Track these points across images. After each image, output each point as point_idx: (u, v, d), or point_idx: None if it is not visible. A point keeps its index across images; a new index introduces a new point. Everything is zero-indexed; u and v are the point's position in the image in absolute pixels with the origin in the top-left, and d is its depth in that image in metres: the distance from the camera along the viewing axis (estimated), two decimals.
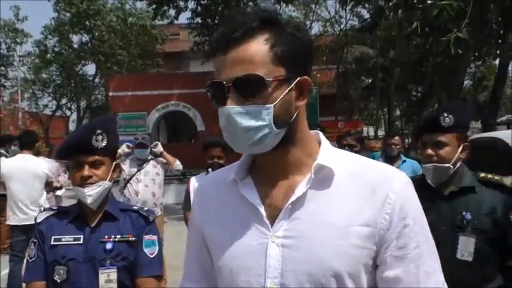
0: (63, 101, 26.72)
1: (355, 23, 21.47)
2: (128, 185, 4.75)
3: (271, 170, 0.92)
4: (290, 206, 0.88)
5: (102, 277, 1.65)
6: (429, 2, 5.30)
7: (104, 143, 1.69)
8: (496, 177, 1.85)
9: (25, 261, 1.79)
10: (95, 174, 1.70)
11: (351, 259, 0.84)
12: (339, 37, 22.24)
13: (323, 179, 0.89)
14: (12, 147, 6.89)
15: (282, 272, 0.85)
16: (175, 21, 17.67)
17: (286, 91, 0.85)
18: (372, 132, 27.89)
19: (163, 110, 17.23)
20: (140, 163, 4.83)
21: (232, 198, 0.94)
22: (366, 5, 12.69)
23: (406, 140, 23.34)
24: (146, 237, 1.75)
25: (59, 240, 1.70)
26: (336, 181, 0.89)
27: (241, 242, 0.90)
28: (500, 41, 10.45)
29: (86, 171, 1.68)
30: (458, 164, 1.89)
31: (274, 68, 0.83)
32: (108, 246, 1.68)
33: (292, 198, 0.88)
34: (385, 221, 0.85)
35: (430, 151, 1.88)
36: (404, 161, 4.79)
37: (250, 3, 16.23)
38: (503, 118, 17.12)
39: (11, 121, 22.69)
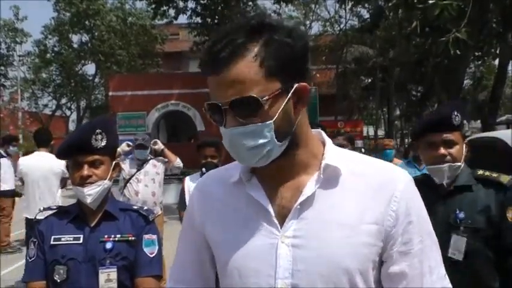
0: (63, 100, 26.75)
1: (355, 23, 21.49)
2: (128, 184, 4.75)
3: (276, 171, 0.91)
4: (299, 206, 0.88)
5: (102, 277, 1.65)
6: (430, 2, 5.29)
7: (104, 143, 1.69)
8: (494, 175, 1.83)
9: (24, 261, 1.78)
10: (95, 174, 1.69)
11: (361, 257, 0.85)
12: (338, 37, 22.25)
13: (330, 178, 0.89)
14: (11, 148, 6.91)
15: (292, 272, 0.85)
16: (175, 21, 17.67)
17: (285, 102, 0.84)
18: (371, 132, 27.91)
19: (163, 110, 17.24)
20: (140, 163, 4.84)
21: (237, 199, 0.94)
22: (366, 5, 12.69)
23: (406, 140, 23.34)
24: (146, 236, 1.75)
25: (59, 239, 1.69)
26: (342, 180, 0.89)
27: (249, 242, 0.89)
28: (499, 40, 10.45)
29: (86, 170, 1.68)
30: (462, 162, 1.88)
31: (268, 83, 0.82)
32: (108, 245, 1.68)
33: (302, 198, 0.88)
34: (391, 219, 0.87)
35: (443, 150, 1.84)
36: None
37: (250, 3, 16.24)
38: (503, 118, 17.15)
39: (10, 121, 22.67)
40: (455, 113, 1.84)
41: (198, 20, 16.61)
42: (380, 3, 10.96)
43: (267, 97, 0.81)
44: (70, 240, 1.69)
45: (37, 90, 25.94)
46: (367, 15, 17.44)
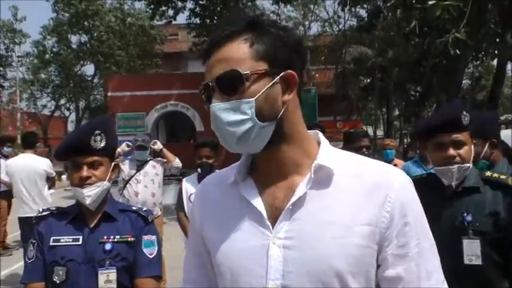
0: (62, 101, 26.69)
1: (354, 23, 21.49)
2: (128, 185, 4.75)
3: (269, 170, 0.92)
4: (291, 207, 0.88)
5: (102, 278, 1.65)
6: (430, 2, 5.29)
7: (103, 144, 1.69)
8: (502, 176, 1.79)
9: (23, 262, 1.78)
10: (94, 175, 1.69)
11: (353, 258, 0.84)
12: (337, 37, 22.25)
13: (323, 179, 0.89)
14: (5, 149, 6.99)
15: (283, 273, 0.85)
16: (174, 22, 17.66)
17: (269, 85, 0.86)
18: (370, 132, 27.90)
19: (162, 110, 17.21)
20: (139, 164, 4.84)
21: (233, 199, 0.95)
22: (365, 5, 12.69)
23: (405, 140, 23.34)
24: (145, 237, 1.75)
25: (58, 241, 1.69)
26: (335, 181, 0.89)
27: (242, 243, 0.90)
28: (498, 40, 10.46)
29: (85, 171, 1.68)
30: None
31: (255, 63, 0.85)
32: (107, 246, 1.68)
33: (293, 199, 0.88)
34: (385, 220, 0.86)
35: (453, 151, 1.80)
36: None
37: (249, 3, 16.23)
38: (502, 118, 17.16)
39: (9, 121, 22.65)
40: (464, 113, 1.81)
41: (197, 20, 16.60)
42: (378, 4, 10.96)
43: (249, 72, 0.84)
44: (69, 241, 1.69)
45: (36, 91, 25.89)
46: (365, 15, 17.43)
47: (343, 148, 4.06)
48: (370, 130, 28.15)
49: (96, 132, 1.68)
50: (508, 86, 24.12)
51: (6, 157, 6.66)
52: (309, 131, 0.96)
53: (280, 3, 15.59)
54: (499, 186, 1.77)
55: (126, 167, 4.79)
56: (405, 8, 7.99)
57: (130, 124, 16.47)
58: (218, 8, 15.87)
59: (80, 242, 1.68)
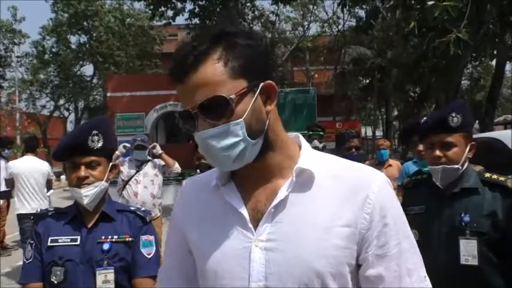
0: (61, 101, 26.64)
1: (353, 24, 21.51)
2: (127, 186, 4.75)
3: (253, 174, 0.92)
4: (273, 210, 0.89)
5: (100, 278, 1.65)
6: (429, 3, 5.29)
7: (100, 144, 1.69)
8: (501, 178, 1.80)
9: (22, 263, 1.78)
10: (92, 175, 1.69)
11: (333, 259, 0.85)
12: (336, 38, 22.28)
13: (304, 181, 0.90)
14: (6, 151, 7.15)
15: (265, 275, 0.86)
16: (173, 22, 17.66)
17: (253, 100, 0.85)
18: (369, 133, 27.93)
19: (161, 111, 17.22)
20: (139, 164, 4.83)
21: (215, 203, 0.95)
22: (364, 6, 12.69)
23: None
24: (143, 237, 1.75)
25: (56, 241, 1.69)
26: (316, 183, 0.90)
27: (225, 246, 0.90)
28: (497, 41, 10.47)
29: (82, 172, 1.68)
30: (466, 164, 1.85)
31: (234, 82, 0.83)
32: (105, 246, 1.68)
33: (275, 202, 0.89)
34: (365, 221, 0.87)
35: (438, 152, 1.83)
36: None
37: (248, 4, 16.25)
38: (501, 118, 17.20)
39: (8, 122, 22.61)
40: (453, 115, 1.81)
41: (197, 21, 16.60)
42: (377, 4, 10.96)
43: (234, 95, 0.82)
44: (67, 242, 1.69)
45: (35, 91, 25.84)
46: (364, 16, 17.46)
47: (335, 149, 4.08)
48: (369, 130, 28.22)
49: (94, 132, 1.68)
50: (506, 86, 24.16)
51: (6, 159, 6.73)
52: (289, 133, 0.97)
53: (280, 4, 15.60)
54: (498, 187, 1.78)
55: (125, 168, 4.79)
56: (405, 8, 8.00)
57: (130, 124, 16.49)
58: (217, 9, 15.87)
59: (78, 242, 1.68)
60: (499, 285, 1.72)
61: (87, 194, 1.68)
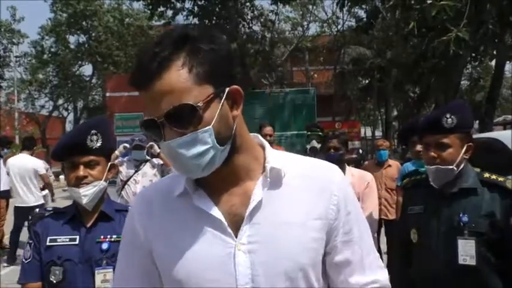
0: (60, 101, 26.69)
1: (353, 24, 21.52)
2: (126, 186, 4.75)
3: (220, 179, 0.91)
4: (249, 212, 0.89)
5: (99, 277, 1.65)
6: (429, 2, 5.30)
7: (99, 143, 1.69)
8: (500, 179, 1.80)
9: (20, 263, 1.77)
10: (90, 175, 1.69)
11: (312, 252, 0.91)
12: (336, 38, 22.28)
13: (276, 181, 0.92)
14: (5, 150, 7.33)
15: (252, 277, 0.86)
16: (173, 22, 17.65)
17: (220, 106, 0.84)
18: (369, 133, 27.96)
19: None
20: (137, 164, 4.83)
21: (183, 212, 0.92)
22: (363, 6, 12.71)
23: None
24: None
25: (55, 240, 1.69)
26: (286, 181, 0.92)
27: (205, 255, 0.88)
28: (497, 41, 10.48)
29: (81, 171, 1.67)
30: (462, 165, 1.84)
31: (200, 88, 0.82)
32: (104, 246, 1.68)
33: (252, 204, 0.89)
34: (333, 212, 0.93)
35: (432, 153, 1.83)
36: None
37: (247, 4, 16.24)
38: (500, 118, 17.22)
39: (7, 122, 22.60)
40: (447, 116, 1.81)
41: (196, 20, 16.58)
42: (377, 4, 10.97)
43: (201, 103, 0.81)
44: (66, 241, 1.69)
45: (34, 91, 25.87)
46: (364, 16, 17.47)
47: (320, 149, 4.10)
48: (368, 131, 28.25)
49: (92, 132, 1.68)
50: (506, 87, 24.19)
51: (1, 157, 6.77)
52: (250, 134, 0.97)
53: (279, 4, 15.59)
54: (497, 188, 1.78)
55: (124, 168, 4.79)
56: (404, 8, 8.00)
57: (129, 124, 16.47)
58: (217, 9, 15.87)
59: (77, 242, 1.68)
60: (497, 286, 1.73)
61: (86, 193, 1.68)
